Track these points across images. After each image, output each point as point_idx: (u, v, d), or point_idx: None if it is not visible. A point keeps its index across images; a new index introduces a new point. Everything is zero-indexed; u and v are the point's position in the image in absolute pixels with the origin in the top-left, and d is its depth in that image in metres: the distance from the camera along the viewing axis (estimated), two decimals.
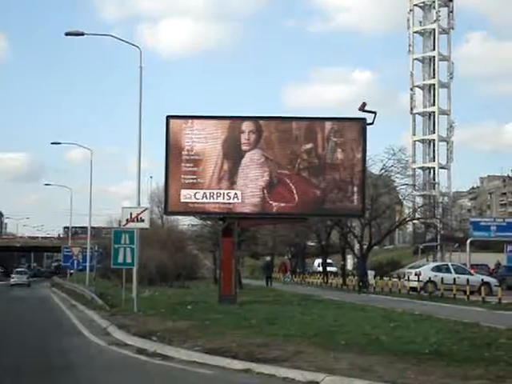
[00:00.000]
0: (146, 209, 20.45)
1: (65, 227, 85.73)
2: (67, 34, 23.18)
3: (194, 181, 21.88)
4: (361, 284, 35.31)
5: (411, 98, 78.39)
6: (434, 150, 77.75)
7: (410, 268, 35.50)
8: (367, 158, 25.08)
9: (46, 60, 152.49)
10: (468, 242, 43.38)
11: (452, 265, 34.07)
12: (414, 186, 45.85)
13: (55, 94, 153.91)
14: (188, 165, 21.92)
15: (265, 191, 21.85)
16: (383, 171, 39.83)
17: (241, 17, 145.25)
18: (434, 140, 77.54)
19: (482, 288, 25.79)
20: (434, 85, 77.48)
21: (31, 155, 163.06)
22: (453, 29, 78.46)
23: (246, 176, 21.89)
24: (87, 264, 43.48)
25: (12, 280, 53.77)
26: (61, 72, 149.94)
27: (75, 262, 44.90)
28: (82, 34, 23.23)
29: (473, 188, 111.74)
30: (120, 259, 19.21)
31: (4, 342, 13.54)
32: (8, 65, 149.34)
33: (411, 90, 78.33)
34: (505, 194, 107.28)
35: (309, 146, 21.96)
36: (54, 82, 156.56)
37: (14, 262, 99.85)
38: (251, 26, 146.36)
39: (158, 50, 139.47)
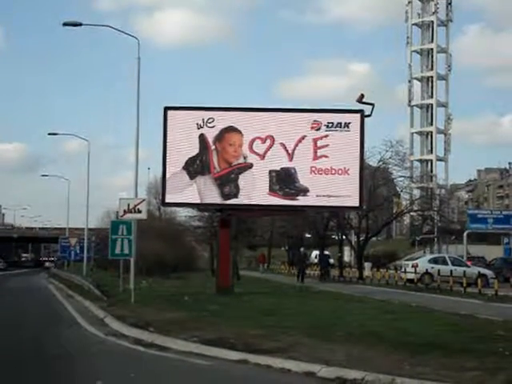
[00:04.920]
0: (144, 200, 20.46)
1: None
2: (65, 24, 23.18)
3: (192, 172, 21.87)
4: (323, 273, 37.52)
5: (409, 90, 78.35)
6: (431, 143, 77.76)
7: (407, 260, 35.60)
8: (365, 150, 25.04)
9: (42, 50, 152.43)
10: (465, 234, 43.46)
11: (449, 257, 34.16)
12: (412, 178, 45.93)
13: (52, 84, 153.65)
14: (186, 156, 21.91)
15: (263, 182, 21.85)
16: (381, 163, 39.87)
17: (236, 7, 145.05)
18: (431, 132, 77.53)
19: (479, 280, 25.85)
20: (431, 77, 77.43)
21: (28, 146, 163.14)
22: (451, 21, 78.39)
23: (244, 167, 21.89)
24: (85, 255, 43.53)
25: (46, 264, 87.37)
26: (57, 62, 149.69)
27: (72, 252, 44.93)
28: (80, 25, 23.22)
29: (470, 180, 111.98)
30: (117, 250, 19.18)
31: (1, 332, 13.56)
32: (3, 55, 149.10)
33: (409, 82, 78.28)
34: (502, 186, 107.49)
35: (306, 137, 21.95)
36: (51, 73, 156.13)
37: (11, 253, 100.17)
38: (247, 17, 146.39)
39: (154, 41, 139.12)
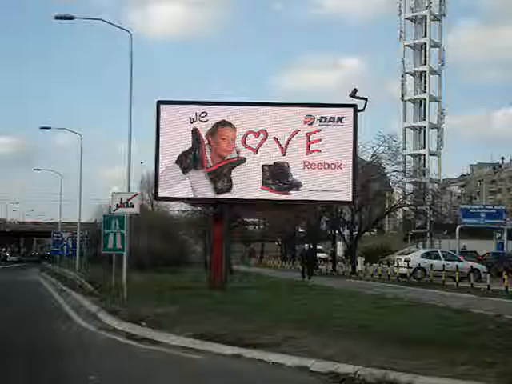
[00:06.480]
0: (137, 194, 20.41)
1: None
2: (57, 17, 23.08)
3: (185, 166, 21.82)
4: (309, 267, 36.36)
5: (402, 85, 78.43)
6: (424, 137, 77.92)
7: (400, 254, 35.68)
8: (358, 145, 25.06)
9: (34, 44, 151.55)
10: (457, 228, 43.56)
11: (441, 251, 34.25)
12: (405, 172, 46.02)
13: (44, 78, 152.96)
14: (179, 150, 21.86)
15: (255, 177, 21.82)
16: (374, 158, 39.95)
17: (229, 0, 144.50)
18: (424, 127, 77.67)
19: (471, 274, 25.93)
20: (425, 72, 77.52)
21: (20, 140, 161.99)
22: (444, 15, 78.48)
23: (237, 162, 21.85)
24: (77, 249, 43.42)
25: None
26: (50, 56, 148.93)
27: (65, 247, 44.80)
28: (72, 18, 23.11)
29: (463, 175, 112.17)
30: (110, 245, 19.12)
31: None
32: None
33: (402, 76, 78.37)
34: (494, 181, 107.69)
35: (299, 131, 21.92)
36: (43, 67, 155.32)
37: (3, 247, 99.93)
38: (238, 10, 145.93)
39: (147, 35, 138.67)
